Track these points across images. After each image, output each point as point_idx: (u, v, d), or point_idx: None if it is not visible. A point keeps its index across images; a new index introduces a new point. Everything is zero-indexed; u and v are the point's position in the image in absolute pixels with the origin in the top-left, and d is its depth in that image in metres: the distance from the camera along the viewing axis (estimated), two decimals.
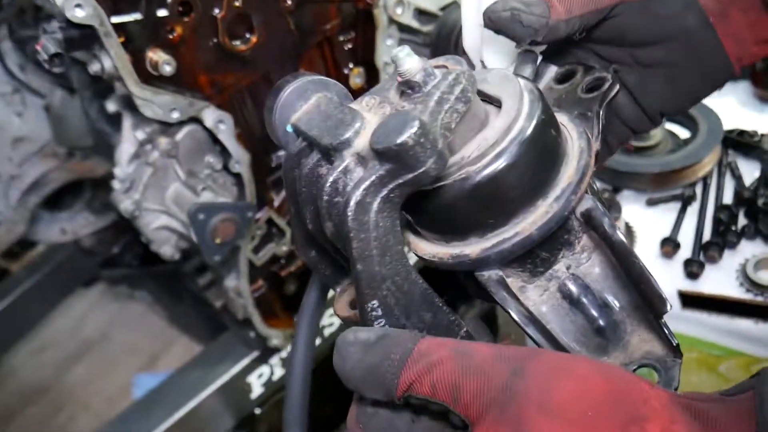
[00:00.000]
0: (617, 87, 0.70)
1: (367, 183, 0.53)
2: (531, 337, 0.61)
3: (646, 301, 0.61)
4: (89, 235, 2.40)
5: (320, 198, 0.57)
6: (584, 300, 0.64)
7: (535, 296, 0.64)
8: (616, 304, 0.64)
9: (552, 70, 0.77)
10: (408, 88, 0.58)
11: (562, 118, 0.66)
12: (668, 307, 0.60)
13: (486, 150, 0.57)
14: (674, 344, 0.62)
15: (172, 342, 2.68)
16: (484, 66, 0.79)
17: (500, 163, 0.56)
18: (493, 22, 0.69)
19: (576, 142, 0.63)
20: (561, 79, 0.75)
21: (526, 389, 0.46)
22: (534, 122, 0.58)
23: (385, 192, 0.54)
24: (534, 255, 0.62)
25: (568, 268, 0.64)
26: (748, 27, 0.72)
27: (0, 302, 2.59)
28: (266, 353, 1.85)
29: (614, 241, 0.60)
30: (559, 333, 0.62)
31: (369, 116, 0.58)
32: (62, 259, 2.68)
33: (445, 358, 0.49)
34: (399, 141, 0.50)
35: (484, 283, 0.61)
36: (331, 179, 0.56)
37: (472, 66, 0.80)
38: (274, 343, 1.77)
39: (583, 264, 0.64)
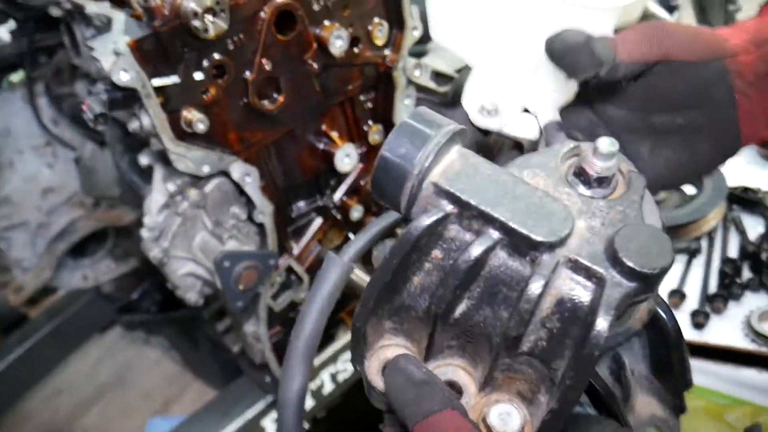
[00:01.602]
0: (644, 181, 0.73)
1: (616, 304, 0.47)
2: (606, 403, 0.64)
3: (678, 379, 0.66)
4: (109, 281, 2.47)
5: (525, 302, 0.50)
6: (624, 375, 0.68)
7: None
8: (633, 374, 0.69)
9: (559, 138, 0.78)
10: (596, 183, 0.55)
11: None
12: (690, 387, 0.66)
13: None
14: (679, 406, 0.67)
15: (187, 387, 2.71)
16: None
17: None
18: (557, 51, 0.69)
19: None
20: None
21: None
22: (664, 226, 0.60)
23: (620, 311, 0.49)
24: None
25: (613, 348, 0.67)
26: (763, 111, 0.75)
27: (18, 347, 2.64)
28: None
29: (672, 331, 0.64)
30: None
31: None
32: (81, 304, 2.74)
33: None
34: (665, 266, 0.48)
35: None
36: (542, 282, 0.50)
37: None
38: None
39: None
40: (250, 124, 1.44)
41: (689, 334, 1.43)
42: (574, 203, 0.54)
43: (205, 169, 1.39)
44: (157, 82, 1.26)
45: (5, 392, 2.64)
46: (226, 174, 1.46)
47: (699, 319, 1.42)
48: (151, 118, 1.29)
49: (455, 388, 0.60)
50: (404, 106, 1.64)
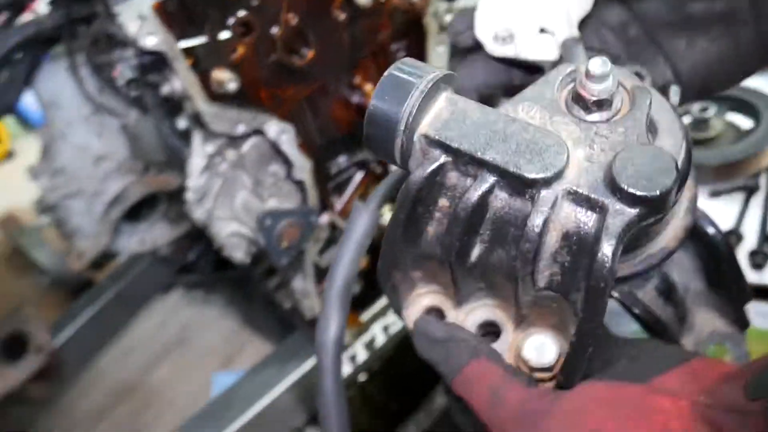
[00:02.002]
0: (678, 89, 0.68)
1: (619, 231, 0.47)
2: (648, 329, 0.65)
3: (734, 289, 0.66)
4: (166, 244, 2.55)
5: (526, 240, 0.49)
6: (676, 293, 0.67)
7: (639, 294, 0.66)
8: (688, 291, 0.68)
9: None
10: (595, 106, 0.53)
11: None
12: (751, 298, 0.66)
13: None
14: (743, 321, 0.67)
15: (246, 342, 2.80)
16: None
17: (679, 185, 0.53)
18: None
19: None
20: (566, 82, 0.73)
21: None
22: (688, 138, 0.56)
23: (627, 236, 0.48)
24: None
25: (660, 267, 0.67)
26: None
27: (87, 309, 2.79)
28: None
29: (719, 241, 0.64)
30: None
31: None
32: (142, 267, 2.85)
33: (480, 396, 0.53)
34: (668, 187, 0.46)
35: (616, 296, 0.63)
36: (542, 219, 0.49)
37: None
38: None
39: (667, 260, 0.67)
40: (281, 80, 1.42)
41: (748, 275, 1.36)
42: (572, 132, 0.52)
43: (240, 129, 1.40)
44: (184, 43, 1.26)
45: (79, 352, 2.79)
46: (262, 133, 1.46)
47: (758, 260, 1.35)
48: (181, 80, 1.29)
49: (492, 327, 0.61)
50: (438, 54, 1.59)
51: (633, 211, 0.46)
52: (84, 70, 2.03)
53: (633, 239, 0.55)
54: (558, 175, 0.49)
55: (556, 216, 0.49)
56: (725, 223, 1.46)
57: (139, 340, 3.07)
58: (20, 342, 2.39)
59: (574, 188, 0.49)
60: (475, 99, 0.55)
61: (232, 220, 1.54)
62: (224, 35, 1.30)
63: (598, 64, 0.51)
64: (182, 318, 3.08)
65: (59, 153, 2.16)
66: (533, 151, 0.49)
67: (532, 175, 0.48)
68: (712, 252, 0.65)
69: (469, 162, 0.51)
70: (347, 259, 0.75)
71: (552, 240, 0.50)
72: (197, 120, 1.43)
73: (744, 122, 1.64)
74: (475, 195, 0.50)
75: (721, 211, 1.51)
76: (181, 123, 1.56)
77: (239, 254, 1.60)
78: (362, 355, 1.98)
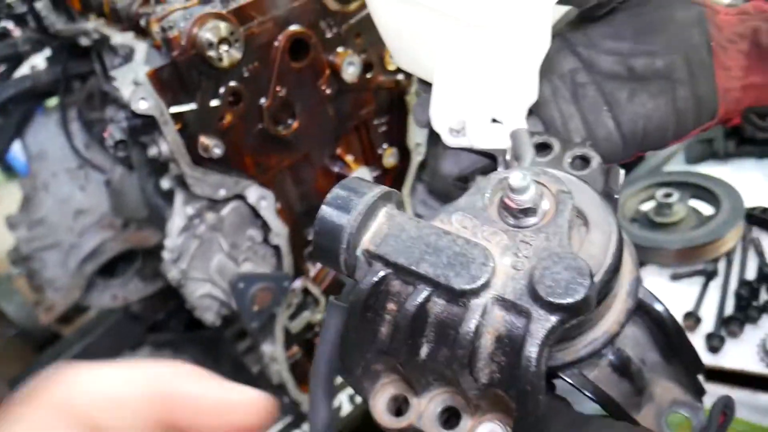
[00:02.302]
0: (622, 172, 0.71)
1: (542, 338, 0.50)
2: (601, 406, 0.68)
3: (687, 361, 0.68)
4: (138, 301, 2.54)
5: (459, 346, 0.54)
6: (630, 368, 0.71)
7: (589, 373, 0.68)
8: (645, 364, 0.71)
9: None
10: (522, 214, 0.57)
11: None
12: (704, 372, 0.69)
13: (599, 268, 0.58)
14: (699, 388, 0.69)
15: None
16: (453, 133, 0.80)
17: (609, 278, 0.58)
18: None
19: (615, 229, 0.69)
20: (540, 149, 0.75)
21: None
22: (618, 232, 0.60)
23: (552, 339, 0.51)
24: None
25: (612, 344, 0.69)
26: (741, 68, 0.75)
27: (51, 364, 2.73)
28: (299, 419, 1.91)
29: (665, 317, 0.68)
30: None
31: (488, 248, 0.56)
32: (111, 323, 2.82)
33: None
34: (582, 296, 0.49)
35: (566, 378, 0.65)
36: (473, 326, 0.53)
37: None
38: (306, 409, 1.84)
39: (619, 336, 0.71)
40: (266, 148, 1.48)
41: (704, 358, 1.41)
42: (501, 240, 0.57)
43: (222, 193, 1.44)
44: (175, 109, 1.32)
45: None
46: (242, 197, 1.50)
47: (714, 343, 1.40)
48: (169, 144, 1.34)
49: (453, 412, 0.64)
50: (418, 130, 1.67)
51: (554, 318, 0.50)
52: (75, 124, 2.08)
53: (572, 329, 0.60)
54: (484, 286, 0.53)
55: (487, 321, 0.53)
56: (685, 306, 1.51)
57: None
58: None
59: (502, 296, 0.53)
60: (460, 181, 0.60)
61: (205, 282, 1.56)
62: (214, 103, 1.36)
63: (519, 178, 0.55)
64: None
65: (40, 204, 2.18)
66: (461, 263, 0.53)
67: (460, 287, 0.52)
68: (661, 327, 0.69)
69: (406, 274, 0.55)
70: (327, 352, 0.81)
71: (487, 342, 0.54)
72: (181, 182, 1.47)
73: (705, 209, 1.72)
74: (412, 305, 0.55)
75: (681, 294, 1.57)
76: (165, 183, 1.60)
77: (210, 316, 1.61)
78: (347, 407, 1.97)
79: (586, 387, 0.66)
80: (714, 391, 1.39)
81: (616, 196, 0.69)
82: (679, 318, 1.49)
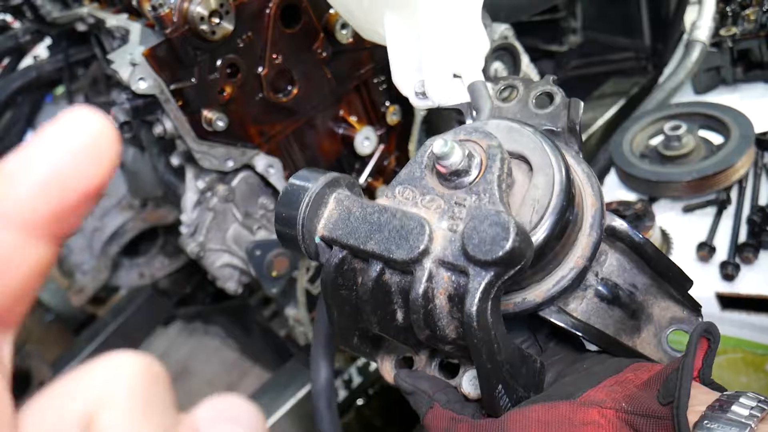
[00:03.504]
0: (581, 104, 0.72)
1: (479, 293, 0.53)
2: (586, 340, 0.71)
3: (673, 280, 0.71)
4: (164, 277, 2.61)
5: (413, 311, 0.57)
6: (619, 294, 0.72)
7: (576, 306, 0.71)
8: (637, 287, 0.73)
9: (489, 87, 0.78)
10: (454, 176, 0.60)
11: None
12: (692, 283, 0.71)
13: (544, 210, 0.60)
14: (694, 304, 0.72)
15: (246, 372, 2.84)
16: (418, 95, 0.81)
17: (558, 218, 0.60)
18: None
19: (578, 166, 0.71)
20: (504, 97, 0.77)
21: None
22: (565, 171, 0.62)
23: (494, 293, 0.54)
24: None
25: (596, 274, 0.72)
26: None
27: (90, 344, 2.83)
28: None
29: (638, 242, 0.70)
30: (603, 330, 0.71)
31: (427, 216, 0.59)
32: (142, 301, 2.91)
33: None
34: (507, 250, 0.52)
35: (546, 317, 0.68)
36: (421, 291, 0.56)
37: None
38: (335, 366, 1.89)
39: (604, 265, 0.73)
40: (268, 117, 1.49)
41: (719, 286, 1.42)
42: (438, 206, 0.60)
43: (230, 164, 1.46)
44: (175, 86, 1.33)
45: None
46: (250, 167, 1.52)
47: (728, 271, 1.40)
48: (172, 121, 1.36)
49: (449, 369, 0.70)
50: None
51: (489, 273, 0.53)
52: None
53: (536, 273, 0.63)
54: (424, 253, 0.56)
55: (436, 283, 0.57)
56: (698, 237, 1.52)
57: None
58: (23, 379, 2.43)
59: (442, 258, 0.56)
60: None
61: (223, 252, 1.59)
62: (212, 77, 1.37)
63: (440, 145, 0.58)
64: (183, 350, 3.12)
65: None
66: (401, 235, 0.57)
67: (401, 258, 0.56)
68: (640, 253, 0.70)
69: (359, 252, 0.60)
70: (323, 320, 0.87)
71: (442, 303, 0.58)
72: (189, 157, 1.50)
73: (716, 138, 1.70)
74: (369, 280, 0.60)
75: (694, 225, 1.57)
76: (175, 160, 1.63)
77: (232, 285, 1.65)
78: (357, 379, 2.02)
79: (570, 324, 0.68)
80: (732, 318, 1.40)
81: (577, 128, 0.70)
82: (692, 249, 1.50)
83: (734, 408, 0.51)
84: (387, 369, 0.74)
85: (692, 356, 0.54)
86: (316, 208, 0.61)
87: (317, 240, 0.62)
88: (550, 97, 0.73)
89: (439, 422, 0.64)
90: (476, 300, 0.53)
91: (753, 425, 0.49)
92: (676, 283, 0.70)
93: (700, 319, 0.73)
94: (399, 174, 0.64)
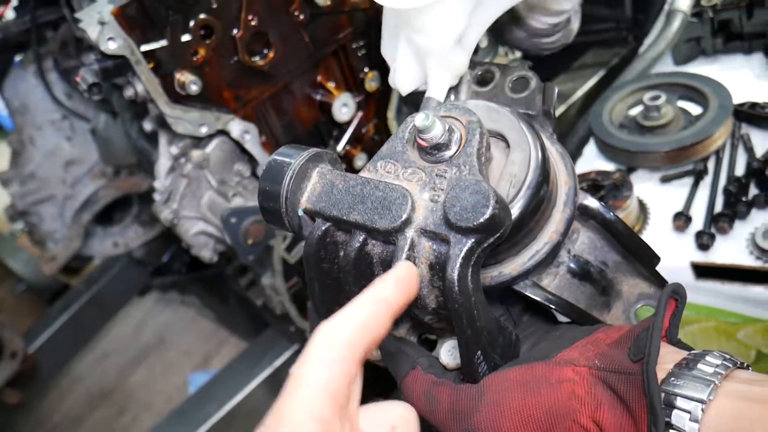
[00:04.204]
0: (555, 89, 0.75)
1: (460, 260, 0.55)
2: (559, 313, 0.72)
3: (641, 257, 0.72)
4: (139, 246, 2.57)
5: None
6: (590, 271, 0.73)
7: (550, 282, 0.73)
8: (607, 265, 0.74)
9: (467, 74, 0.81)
10: (435, 150, 0.61)
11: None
12: (659, 259, 0.73)
13: (521, 184, 0.62)
14: (661, 280, 0.74)
15: (223, 342, 2.83)
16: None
17: (534, 192, 0.62)
18: None
19: (552, 147, 0.72)
20: (481, 82, 0.79)
21: None
22: (541, 149, 0.64)
23: (474, 259, 0.56)
24: None
25: (568, 251, 0.74)
26: None
27: (63, 314, 2.79)
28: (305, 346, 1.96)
29: (610, 220, 0.71)
30: (575, 304, 0.72)
31: (409, 187, 0.60)
32: (116, 271, 2.87)
33: (419, 401, 0.64)
34: (487, 216, 0.53)
35: (520, 291, 0.70)
36: (403, 259, 0.58)
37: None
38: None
39: (576, 243, 0.74)
40: (244, 81, 1.46)
41: (695, 255, 1.43)
42: (420, 178, 0.61)
43: (203, 130, 1.43)
44: (146, 47, 1.29)
45: (55, 357, 2.80)
46: (225, 133, 1.49)
47: (703, 240, 1.41)
48: (144, 83, 1.32)
49: (430, 342, 0.72)
50: None
51: (469, 240, 0.55)
52: (53, 74, 2.05)
53: (513, 245, 0.64)
54: (406, 222, 0.58)
55: (418, 252, 0.58)
56: (675, 207, 1.52)
57: (116, 344, 3.08)
58: None
59: (424, 228, 0.58)
60: None
61: (198, 220, 1.57)
62: (185, 38, 1.33)
63: (421, 118, 0.59)
64: (159, 320, 3.10)
65: (29, 159, 2.17)
66: (383, 206, 0.59)
67: (384, 227, 0.58)
68: (611, 231, 0.71)
69: (342, 223, 0.61)
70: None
71: (424, 272, 0.59)
72: (162, 122, 1.46)
73: (694, 109, 1.70)
74: (351, 251, 0.61)
75: (671, 195, 1.57)
76: (147, 125, 1.59)
77: (207, 253, 1.63)
78: None
79: (543, 297, 0.69)
80: (706, 287, 1.42)
81: (552, 111, 0.73)
82: (669, 219, 1.51)
83: (700, 366, 0.53)
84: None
85: (662, 315, 0.56)
86: (299, 181, 0.62)
87: (300, 213, 0.63)
88: (525, 81, 0.76)
89: (420, 385, 0.65)
90: (457, 266, 0.55)
91: (717, 382, 0.51)
92: (644, 260, 0.72)
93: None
94: (380, 149, 0.65)
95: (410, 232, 0.58)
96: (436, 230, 0.57)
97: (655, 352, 0.52)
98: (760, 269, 1.35)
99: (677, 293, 0.59)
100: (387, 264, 0.61)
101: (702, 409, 0.49)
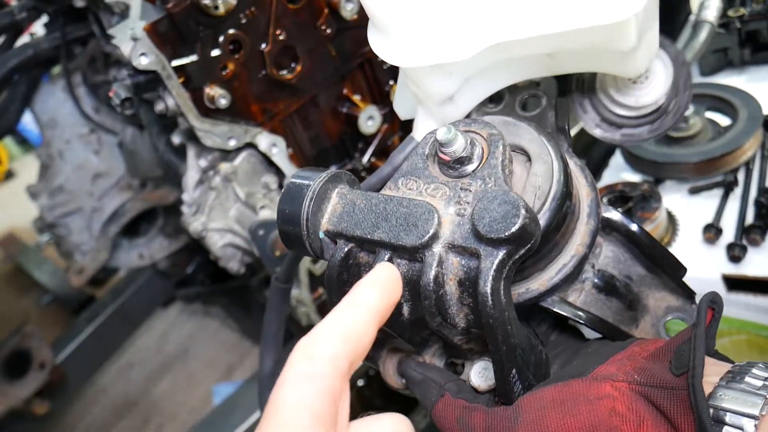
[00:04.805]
0: (569, 104, 0.74)
1: (492, 272, 0.53)
2: (589, 328, 0.70)
3: (667, 268, 0.71)
4: (164, 258, 2.60)
5: (424, 297, 0.57)
6: (616, 285, 0.72)
7: (576, 298, 0.72)
8: (632, 279, 0.73)
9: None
10: (458, 164, 0.60)
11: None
12: (685, 270, 0.71)
13: (546, 196, 0.61)
14: (689, 292, 0.72)
15: (246, 353, 2.83)
16: None
17: (560, 203, 0.61)
18: None
19: (570, 160, 0.71)
20: (491, 100, 0.78)
21: None
22: (563, 159, 0.63)
23: (506, 272, 0.55)
24: None
25: (592, 266, 0.73)
26: None
27: (89, 326, 2.82)
28: None
29: (634, 232, 0.70)
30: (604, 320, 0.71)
31: (434, 203, 0.59)
32: (141, 282, 2.90)
33: (451, 428, 0.61)
34: (519, 225, 0.52)
35: (548, 307, 0.68)
36: (432, 276, 0.56)
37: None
38: None
39: (599, 257, 0.73)
40: (271, 94, 1.47)
41: (726, 267, 1.41)
42: (444, 193, 0.60)
43: (232, 143, 1.44)
44: (177, 62, 1.31)
45: (81, 368, 2.83)
46: (253, 146, 1.50)
47: (735, 252, 1.39)
48: (174, 98, 1.34)
49: (455, 366, 0.69)
50: None
51: (501, 251, 0.53)
52: (81, 89, 2.08)
53: (540, 260, 0.63)
54: (433, 237, 0.56)
55: (446, 269, 0.57)
56: (705, 218, 1.50)
57: (140, 355, 3.10)
58: (23, 359, 2.43)
59: (451, 242, 0.56)
60: None
61: (226, 232, 1.58)
62: (215, 53, 1.35)
63: (444, 132, 0.58)
64: (183, 331, 3.11)
65: (57, 172, 2.21)
66: (409, 222, 0.57)
67: (410, 243, 0.56)
68: (635, 243, 0.70)
69: (366, 244, 0.59)
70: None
71: (452, 289, 0.57)
72: (191, 135, 1.48)
73: (723, 120, 1.68)
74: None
75: (700, 207, 1.55)
76: (176, 138, 1.61)
77: (234, 265, 1.64)
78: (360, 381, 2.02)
79: (572, 313, 0.68)
80: (738, 300, 1.39)
81: (566, 127, 0.72)
82: (699, 231, 1.49)
83: (748, 379, 0.51)
84: (390, 372, 0.73)
85: (703, 326, 0.54)
86: (319, 203, 0.61)
87: (321, 235, 0.61)
88: (537, 100, 0.75)
89: (451, 411, 0.62)
90: (490, 279, 0.53)
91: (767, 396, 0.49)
92: (670, 271, 0.71)
93: (693, 307, 0.73)
94: (401, 167, 0.64)
95: (438, 248, 0.56)
96: (465, 244, 0.55)
97: (700, 364, 0.51)
98: None
99: (715, 302, 0.57)
100: (413, 284, 0.59)
101: (755, 425, 0.48)
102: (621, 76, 0.75)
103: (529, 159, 0.63)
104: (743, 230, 1.43)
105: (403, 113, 0.84)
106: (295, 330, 2.03)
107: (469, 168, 0.60)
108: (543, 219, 0.60)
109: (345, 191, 0.62)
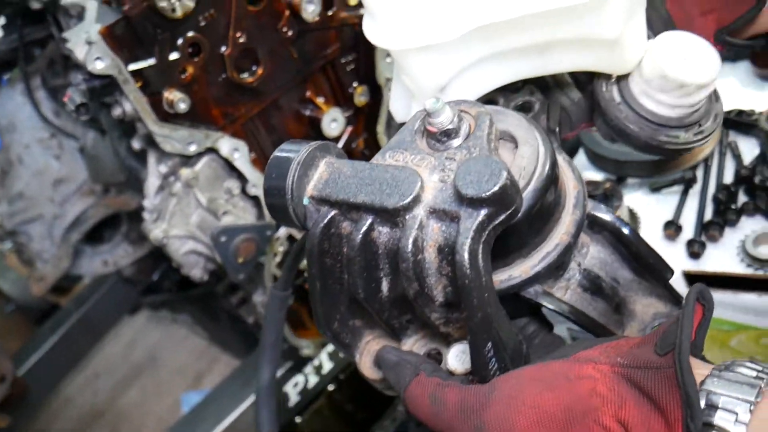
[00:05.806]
0: (559, 108, 0.76)
1: (471, 233, 0.53)
2: (573, 322, 0.70)
3: (654, 271, 0.71)
4: (129, 265, 2.55)
5: (402, 260, 0.57)
6: (602, 286, 0.72)
7: (562, 295, 0.71)
8: (618, 282, 0.73)
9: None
10: (444, 136, 0.61)
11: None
12: (672, 272, 0.72)
13: (530, 176, 0.61)
14: (676, 296, 0.72)
15: (215, 360, 2.80)
16: None
17: (544, 182, 0.61)
18: None
19: (558, 155, 0.71)
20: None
21: None
22: (550, 146, 0.63)
23: (485, 236, 0.54)
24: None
25: (579, 265, 0.73)
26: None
27: (53, 335, 2.76)
28: (299, 363, 1.94)
29: (622, 231, 0.70)
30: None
31: (418, 170, 0.59)
32: (106, 289, 2.84)
33: (423, 407, 0.60)
34: (500, 185, 0.52)
35: (531, 297, 0.68)
36: (411, 239, 0.56)
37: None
38: (305, 353, 1.87)
39: (586, 257, 0.73)
40: (232, 98, 1.46)
41: (686, 264, 1.43)
42: (429, 162, 0.60)
43: (192, 148, 1.42)
44: (133, 66, 1.28)
45: (45, 379, 2.76)
46: (215, 151, 1.48)
47: (695, 249, 1.41)
48: (131, 102, 1.32)
49: (433, 355, 0.68)
50: (386, 64, 1.64)
51: (481, 212, 0.53)
52: (41, 92, 2.03)
53: (521, 245, 0.63)
54: (416, 200, 0.57)
55: (426, 234, 0.57)
56: (666, 215, 1.53)
57: (107, 364, 3.04)
58: None
59: (433, 207, 0.56)
60: None
61: (188, 239, 1.56)
62: (173, 56, 1.32)
63: (432, 102, 0.59)
64: (150, 339, 3.07)
65: (17, 177, 2.15)
66: (392, 185, 0.58)
67: (392, 205, 0.56)
68: (623, 242, 0.70)
69: (349, 208, 0.60)
70: (272, 339, 0.92)
71: (431, 257, 0.57)
72: (150, 141, 1.45)
73: None
74: (358, 235, 0.59)
75: (661, 204, 1.58)
76: (136, 144, 1.58)
77: (197, 272, 1.62)
78: (327, 365, 2.01)
79: (557, 306, 0.68)
80: None
81: (556, 129, 0.74)
82: (659, 227, 1.52)
83: (739, 370, 0.50)
84: (366, 365, 0.72)
85: (692, 306, 0.52)
86: (306, 170, 0.61)
87: (306, 202, 0.61)
88: (529, 105, 0.76)
89: (424, 389, 0.60)
90: (468, 239, 0.53)
91: (762, 385, 0.48)
92: (657, 273, 0.70)
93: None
94: (389, 141, 0.65)
95: (419, 212, 0.56)
96: (446, 208, 0.55)
97: (686, 339, 0.49)
98: (751, 276, 1.35)
99: (704, 297, 0.55)
100: (393, 255, 0.59)
101: (750, 410, 0.47)
102: (612, 72, 0.76)
103: (517, 146, 0.64)
104: (702, 226, 1.46)
105: (400, 117, 0.84)
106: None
107: (455, 142, 0.61)
108: (527, 198, 0.60)
109: (333, 161, 0.63)
